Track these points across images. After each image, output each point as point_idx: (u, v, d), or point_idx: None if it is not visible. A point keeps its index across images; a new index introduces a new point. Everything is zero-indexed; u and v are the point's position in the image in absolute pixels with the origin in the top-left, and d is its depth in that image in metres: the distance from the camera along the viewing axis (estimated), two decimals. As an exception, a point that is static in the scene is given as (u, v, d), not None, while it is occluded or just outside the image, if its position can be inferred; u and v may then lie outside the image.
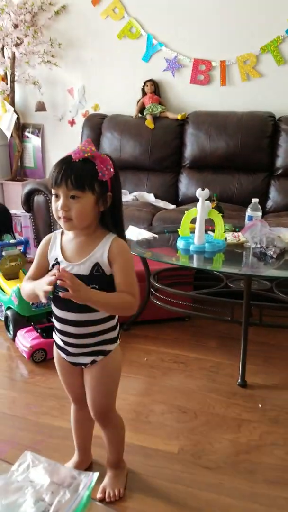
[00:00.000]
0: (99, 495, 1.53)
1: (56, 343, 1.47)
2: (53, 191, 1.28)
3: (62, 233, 1.39)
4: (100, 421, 1.53)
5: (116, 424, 1.57)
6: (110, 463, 1.61)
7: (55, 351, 1.49)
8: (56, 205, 1.27)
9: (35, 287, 1.30)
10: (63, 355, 1.45)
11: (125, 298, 1.32)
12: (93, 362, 1.42)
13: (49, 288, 1.24)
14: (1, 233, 3.00)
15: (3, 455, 1.74)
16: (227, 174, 3.39)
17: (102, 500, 1.53)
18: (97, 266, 1.31)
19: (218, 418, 1.97)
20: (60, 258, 1.35)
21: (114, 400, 1.52)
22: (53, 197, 1.28)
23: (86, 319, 1.35)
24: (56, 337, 1.45)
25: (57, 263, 1.35)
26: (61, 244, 1.37)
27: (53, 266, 1.35)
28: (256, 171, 3.34)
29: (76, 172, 1.23)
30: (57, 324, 1.41)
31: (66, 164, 1.25)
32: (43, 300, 1.28)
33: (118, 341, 1.45)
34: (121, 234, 1.36)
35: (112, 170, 1.28)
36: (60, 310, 1.38)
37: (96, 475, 0.88)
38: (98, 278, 1.31)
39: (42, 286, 1.26)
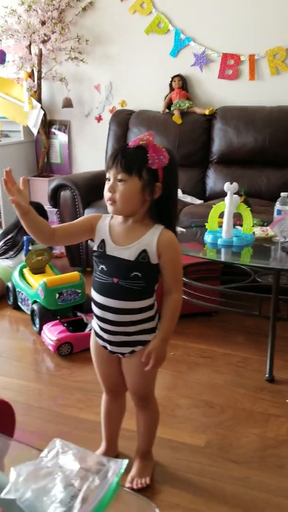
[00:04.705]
0: (127, 484, 1.53)
1: (95, 331, 1.47)
2: (106, 175, 1.32)
3: (111, 217, 1.40)
4: (139, 404, 1.54)
5: (154, 407, 1.57)
6: (140, 452, 1.60)
7: (93, 339, 1.49)
8: (106, 188, 1.32)
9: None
10: (101, 343, 1.45)
11: (176, 304, 1.38)
12: (132, 352, 1.42)
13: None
14: None
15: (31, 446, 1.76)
16: (255, 169, 3.34)
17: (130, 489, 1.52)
18: (144, 253, 1.32)
19: (245, 413, 1.94)
20: (108, 241, 1.36)
21: (153, 384, 1.52)
22: (106, 181, 1.32)
23: (127, 307, 1.35)
24: (95, 324, 1.45)
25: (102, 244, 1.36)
26: (109, 227, 1.38)
27: (99, 246, 1.36)
28: (285, 166, 3.28)
29: (126, 157, 1.28)
30: (96, 310, 1.41)
31: (120, 149, 1.31)
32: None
33: (157, 331, 1.44)
34: (170, 227, 1.36)
35: (165, 161, 1.29)
36: (100, 296, 1.38)
37: (125, 462, 0.87)
38: (143, 266, 1.32)
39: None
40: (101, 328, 1.42)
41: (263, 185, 3.28)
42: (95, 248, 1.39)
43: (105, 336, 1.42)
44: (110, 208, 1.33)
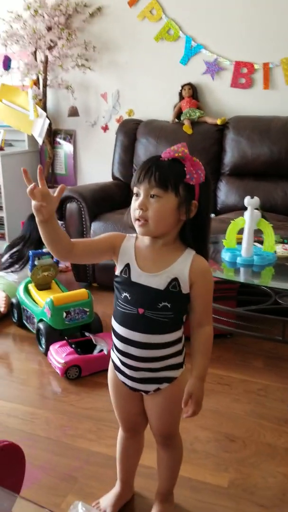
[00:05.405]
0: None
1: (114, 364, 1.32)
2: (134, 190, 1.16)
3: (136, 238, 1.25)
4: (162, 442, 1.39)
5: (178, 444, 1.42)
6: (161, 494, 1.45)
7: (112, 373, 1.34)
8: (135, 205, 1.15)
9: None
10: (122, 378, 1.30)
11: (209, 338, 1.23)
12: (156, 390, 1.27)
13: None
14: (42, 244, 2.89)
15: (38, 483, 1.61)
16: (270, 182, 3.21)
17: None
18: (175, 281, 1.17)
19: (269, 448, 1.79)
20: (134, 266, 1.20)
21: (179, 422, 1.37)
22: (133, 197, 1.17)
23: (153, 341, 1.20)
24: (115, 357, 1.30)
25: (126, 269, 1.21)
26: (135, 250, 1.22)
27: (122, 272, 1.21)
28: (302, 179, 3.16)
29: (161, 170, 1.12)
30: (118, 343, 1.25)
31: (152, 161, 1.15)
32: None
33: (184, 366, 1.29)
34: (202, 252, 1.21)
35: (202, 176, 1.15)
36: (123, 328, 1.23)
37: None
38: (173, 295, 1.17)
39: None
40: (123, 363, 1.27)
41: (279, 199, 3.15)
42: (117, 273, 1.23)
43: (127, 371, 1.27)
44: (140, 229, 1.16)
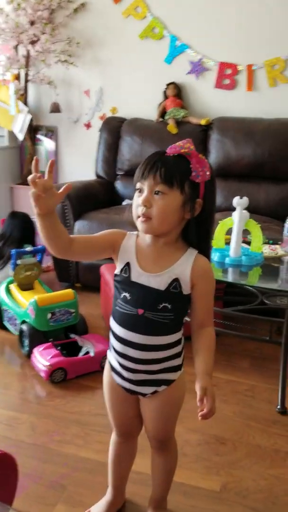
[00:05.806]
0: None
1: (111, 366, 1.28)
2: (137, 185, 1.13)
3: (137, 236, 1.21)
4: (157, 446, 1.36)
5: (173, 449, 1.39)
6: (154, 501, 1.42)
7: (108, 375, 1.30)
8: (138, 201, 1.12)
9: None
10: (119, 381, 1.26)
11: (213, 338, 1.20)
12: (154, 392, 1.24)
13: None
14: (23, 243, 2.82)
15: (25, 491, 1.55)
16: (254, 183, 3.22)
17: None
18: (176, 282, 1.14)
19: (259, 450, 1.78)
20: (134, 265, 1.16)
21: (175, 426, 1.34)
22: (136, 193, 1.13)
23: (152, 343, 1.17)
24: (113, 359, 1.26)
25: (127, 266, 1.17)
26: (136, 248, 1.18)
27: (122, 271, 1.18)
28: (285, 180, 3.18)
29: (166, 166, 1.08)
30: (116, 344, 1.22)
31: (157, 157, 1.11)
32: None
33: (182, 369, 1.26)
34: (205, 251, 1.19)
35: (208, 174, 1.12)
36: (122, 329, 1.19)
37: None
38: (174, 296, 1.14)
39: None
40: (120, 365, 1.23)
41: (261, 200, 3.16)
42: (117, 272, 1.20)
43: (125, 373, 1.23)
44: (142, 225, 1.12)
